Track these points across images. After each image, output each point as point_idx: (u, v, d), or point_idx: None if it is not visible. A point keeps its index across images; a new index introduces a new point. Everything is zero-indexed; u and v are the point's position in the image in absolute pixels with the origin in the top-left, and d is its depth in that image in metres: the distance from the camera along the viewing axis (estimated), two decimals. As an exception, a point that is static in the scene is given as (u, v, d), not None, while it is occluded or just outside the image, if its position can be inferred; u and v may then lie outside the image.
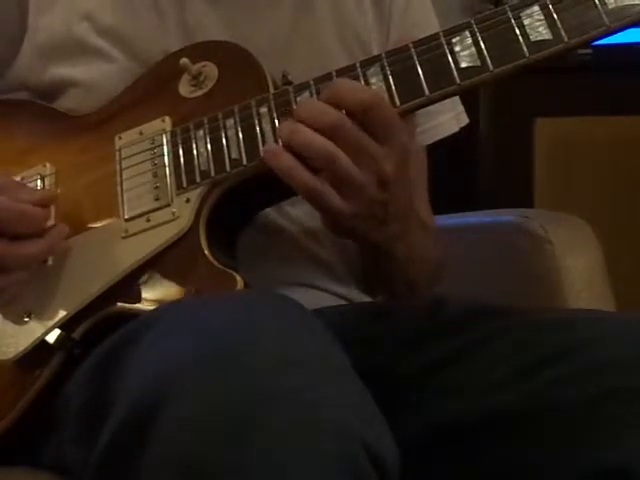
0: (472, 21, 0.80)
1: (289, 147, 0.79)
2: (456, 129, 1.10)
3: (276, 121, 0.84)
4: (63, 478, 0.80)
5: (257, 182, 0.85)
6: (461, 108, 1.10)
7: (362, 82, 0.82)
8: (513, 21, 0.79)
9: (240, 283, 0.80)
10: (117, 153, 0.90)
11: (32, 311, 0.85)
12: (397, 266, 0.93)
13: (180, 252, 0.84)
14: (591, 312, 1.00)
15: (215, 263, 0.82)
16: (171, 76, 0.92)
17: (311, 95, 0.83)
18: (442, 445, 0.82)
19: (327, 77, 0.83)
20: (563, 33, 0.77)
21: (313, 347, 0.67)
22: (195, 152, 0.86)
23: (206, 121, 0.86)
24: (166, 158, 0.87)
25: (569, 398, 0.76)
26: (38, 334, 0.83)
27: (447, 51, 0.80)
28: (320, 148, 0.78)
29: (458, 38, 0.80)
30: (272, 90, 0.86)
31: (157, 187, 0.87)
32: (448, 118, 1.08)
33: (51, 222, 0.87)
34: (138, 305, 0.83)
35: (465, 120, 1.11)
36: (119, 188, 0.88)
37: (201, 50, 0.92)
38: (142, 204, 0.86)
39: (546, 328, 0.84)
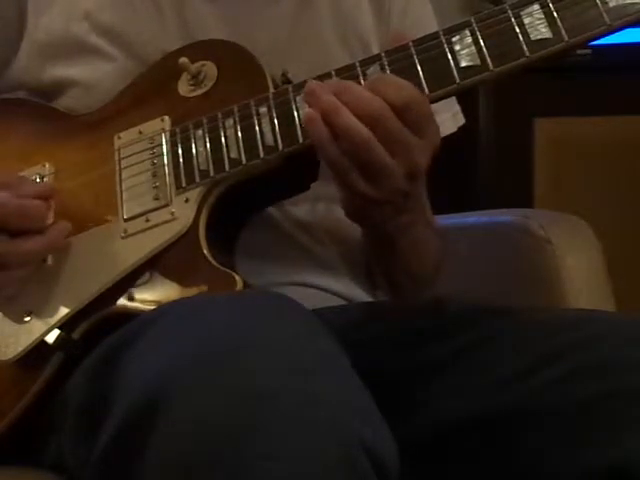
0: (472, 20, 0.80)
1: (326, 121, 0.79)
2: (454, 129, 1.10)
3: (275, 121, 0.84)
4: (63, 478, 0.80)
5: (257, 182, 0.85)
6: (458, 108, 1.10)
7: (362, 81, 0.82)
8: (513, 20, 0.79)
9: (239, 283, 0.80)
10: (116, 153, 0.90)
11: (32, 311, 0.85)
12: (399, 258, 0.93)
13: (179, 252, 0.83)
14: (591, 312, 0.99)
15: (214, 263, 0.82)
16: (170, 75, 0.92)
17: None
18: (442, 445, 0.82)
19: (327, 76, 0.83)
20: (563, 32, 0.77)
21: (313, 347, 0.67)
22: (194, 152, 0.86)
23: (205, 121, 0.86)
24: (165, 158, 0.87)
25: (569, 398, 0.76)
26: (38, 334, 0.83)
27: (447, 50, 0.80)
28: (360, 137, 0.78)
29: (458, 37, 0.80)
30: (272, 89, 0.86)
31: (156, 187, 0.87)
32: (445, 118, 1.07)
33: (50, 220, 0.87)
34: (137, 305, 0.83)
35: (462, 120, 1.11)
36: (118, 188, 0.88)
37: (200, 49, 0.92)
38: (141, 204, 0.86)
39: (546, 328, 0.84)
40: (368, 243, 0.98)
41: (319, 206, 1.00)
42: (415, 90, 0.79)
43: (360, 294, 1.04)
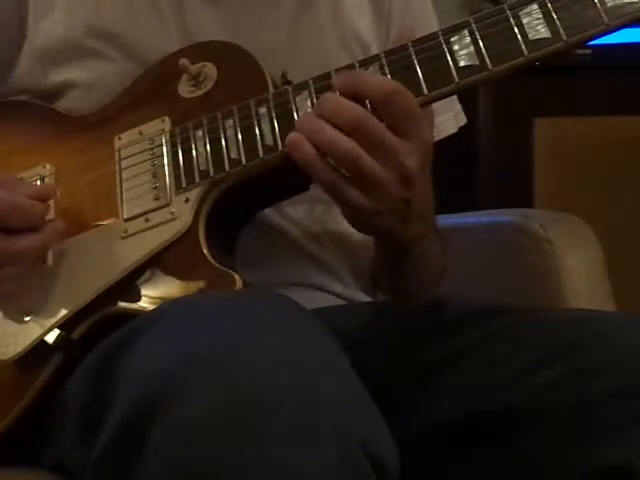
0: (471, 20, 0.80)
1: (311, 142, 0.79)
2: (455, 129, 1.09)
3: (275, 121, 0.84)
4: (63, 478, 0.80)
5: (256, 182, 0.85)
6: (459, 108, 1.10)
7: None
8: (512, 20, 0.79)
9: (239, 283, 0.80)
10: (116, 153, 0.90)
11: (32, 311, 0.85)
12: (412, 266, 0.92)
13: (179, 252, 0.84)
14: (591, 312, 1.00)
15: (214, 263, 0.82)
16: (170, 76, 0.92)
17: (310, 95, 0.83)
18: (442, 445, 0.82)
19: (326, 77, 0.83)
20: (562, 31, 0.77)
21: (312, 347, 0.67)
22: (194, 152, 0.86)
23: (205, 121, 0.86)
24: (165, 158, 0.87)
25: (569, 398, 0.77)
26: (37, 334, 0.83)
27: (446, 50, 0.80)
28: (344, 149, 0.77)
29: (457, 37, 0.80)
30: (271, 90, 0.86)
31: (156, 187, 0.87)
32: (446, 118, 1.07)
33: (50, 217, 0.87)
34: (137, 305, 0.83)
35: (463, 120, 1.11)
36: (118, 188, 0.88)
37: (200, 50, 0.92)
38: (141, 204, 0.86)
39: (546, 328, 0.84)
40: (380, 251, 0.96)
41: (317, 208, 1.00)
42: (395, 83, 0.79)
43: (359, 294, 1.04)
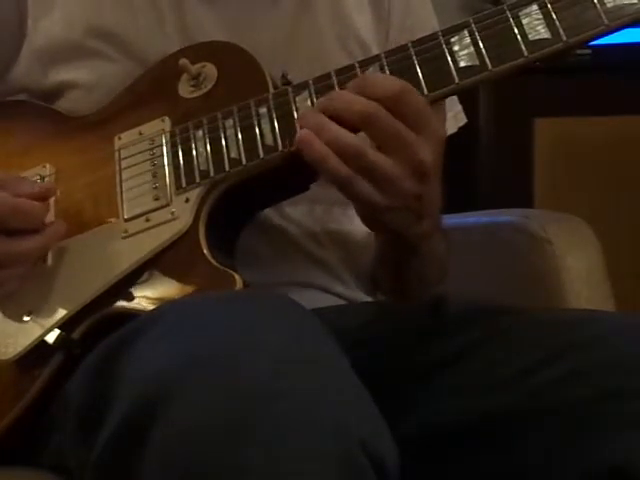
0: (471, 20, 0.80)
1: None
2: (454, 129, 1.09)
3: (275, 121, 0.84)
4: (63, 478, 0.80)
5: (256, 182, 0.85)
6: (459, 108, 1.10)
7: None
8: (512, 20, 0.79)
9: (239, 283, 0.80)
10: (116, 153, 0.90)
11: (32, 311, 0.85)
12: (417, 265, 0.92)
13: (179, 252, 0.84)
14: (591, 312, 1.00)
15: (214, 263, 0.82)
16: (170, 77, 0.92)
17: (310, 95, 0.83)
18: (442, 445, 0.82)
19: (326, 77, 0.83)
20: (562, 32, 0.77)
21: (312, 347, 0.67)
22: (194, 152, 0.86)
23: (205, 121, 0.86)
24: (165, 158, 0.87)
25: (569, 398, 0.77)
26: (38, 334, 0.83)
27: (446, 51, 0.80)
28: (348, 145, 0.77)
29: (457, 37, 0.80)
30: (271, 90, 0.86)
31: (156, 187, 0.87)
32: (446, 118, 1.07)
33: (51, 218, 0.87)
34: (138, 305, 0.83)
35: (463, 120, 1.11)
36: (119, 188, 0.88)
37: (200, 51, 0.92)
38: (141, 204, 0.86)
39: (546, 328, 0.84)
40: (387, 249, 0.96)
41: (317, 208, 1.00)
42: (402, 82, 0.78)
43: (359, 294, 1.04)
